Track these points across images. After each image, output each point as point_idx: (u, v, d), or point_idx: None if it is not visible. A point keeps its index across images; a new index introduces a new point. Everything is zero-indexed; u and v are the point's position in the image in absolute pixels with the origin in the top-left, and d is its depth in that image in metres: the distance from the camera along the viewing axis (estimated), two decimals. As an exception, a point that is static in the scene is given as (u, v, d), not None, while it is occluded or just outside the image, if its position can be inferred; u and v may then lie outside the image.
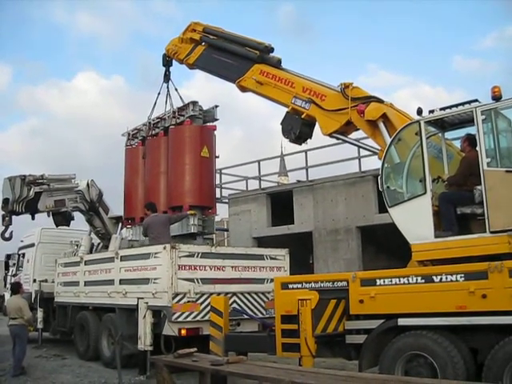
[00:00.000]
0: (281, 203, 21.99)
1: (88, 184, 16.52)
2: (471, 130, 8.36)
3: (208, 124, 14.63)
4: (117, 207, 17.28)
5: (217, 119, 14.66)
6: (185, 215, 13.41)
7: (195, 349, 8.92)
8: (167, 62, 15.05)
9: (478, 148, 8.01)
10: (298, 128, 11.08)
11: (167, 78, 15.30)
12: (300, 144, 11.63)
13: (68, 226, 17.08)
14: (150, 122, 15.34)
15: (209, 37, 13.34)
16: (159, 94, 15.38)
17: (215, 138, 14.57)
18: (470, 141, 8.52)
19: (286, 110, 11.32)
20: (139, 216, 14.90)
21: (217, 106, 14.71)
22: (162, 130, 14.89)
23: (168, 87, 15.31)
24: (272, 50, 12.06)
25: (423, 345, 7.56)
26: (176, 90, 15.32)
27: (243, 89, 12.31)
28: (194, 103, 14.44)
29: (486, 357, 7.08)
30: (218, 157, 14.59)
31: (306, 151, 21.57)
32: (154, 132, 15.19)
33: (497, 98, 7.83)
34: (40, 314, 16.47)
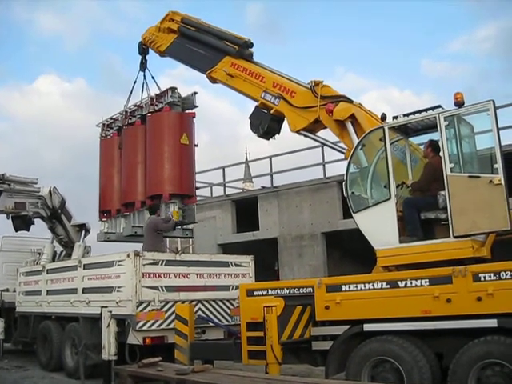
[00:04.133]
0: (246, 209, 21.96)
1: (50, 191, 16.23)
2: (435, 135, 8.44)
3: (187, 111, 14.34)
4: (80, 211, 17.03)
5: (196, 106, 14.34)
6: (168, 219, 12.99)
7: (160, 358, 8.83)
8: (143, 50, 14.69)
9: (441, 153, 8.08)
10: (266, 123, 11.06)
11: (144, 66, 14.88)
12: (268, 139, 11.53)
13: (28, 230, 16.72)
14: (126, 111, 14.88)
15: (187, 27, 13.04)
16: (135, 82, 14.97)
17: (194, 125, 14.24)
18: (433, 146, 8.60)
19: (255, 104, 11.28)
20: (115, 208, 14.62)
21: (196, 93, 14.42)
22: (139, 119, 14.48)
23: (145, 76, 14.94)
24: (251, 45, 11.89)
25: (389, 350, 7.59)
26: (153, 78, 14.95)
27: (213, 80, 12.22)
28: (173, 89, 14.09)
29: (451, 361, 7.15)
30: (197, 145, 14.20)
31: (270, 157, 21.66)
32: (130, 121, 14.77)
33: (459, 104, 7.93)
34: (1, 324, 16.10)
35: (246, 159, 47.40)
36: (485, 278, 7.01)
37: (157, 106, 14.12)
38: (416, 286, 7.54)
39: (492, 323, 6.84)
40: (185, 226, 14.27)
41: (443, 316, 7.23)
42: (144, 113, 14.35)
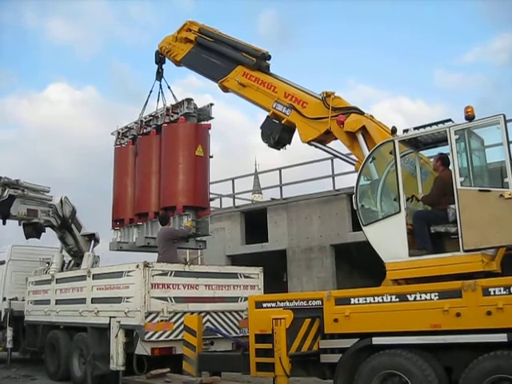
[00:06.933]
0: (255, 221, 21.97)
1: (62, 200, 16.28)
2: (445, 149, 8.43)
3: (203, 122, 14.27)
4: (90, 221, 17.04)
5: (212, 117, 14.24)
6: (187, 231, 12.97)
7: (168, 369, 8.85)
8: (160, 59, 14.68)
9: (451, 167, 8.08)
10: (277, 133, 11.08)
11: (160, 75, 14.89)
12: (279, 149, 11.53)
13: (38, 238, 16.70)
14: (141, 120, 14.84)
15: (204, 38, 13.02)
16: (151, 91, 15.02)
17: (209, 137, 14.17)
18: (443, 160, 8.60)
19: (266, 114, 11.30)
20: (128, 217, 14.62)
21: (212, 104, 14.34)
22: (155, 129, 14.46)
23: (161, 85, 14.95)
24: (269, 57, 11.87)
25: (398, 364, 7.55)
26: (169, 87, 14.99)
27: (225, 89, 12.24)
28: (189, 100, 14.03)
29: (460, 375, 7.10)
30: (211, 157, 14.15)
31: (280, 169, 21.67)
32: (145, 130, 14.72)
33: (470, 118, 7.92)
34: (9, 333, 16.10)
35: (256, 170, 47.41)
36: (495, 292, 6.98)
37: (172, 116, 14.08)
38: (425, 299, 7.51)
39: (502, 338, 6.79)
40: (198, 238, 14.18)
41: (452, 330, 7.20)
42: (159, 123, 14.31)
